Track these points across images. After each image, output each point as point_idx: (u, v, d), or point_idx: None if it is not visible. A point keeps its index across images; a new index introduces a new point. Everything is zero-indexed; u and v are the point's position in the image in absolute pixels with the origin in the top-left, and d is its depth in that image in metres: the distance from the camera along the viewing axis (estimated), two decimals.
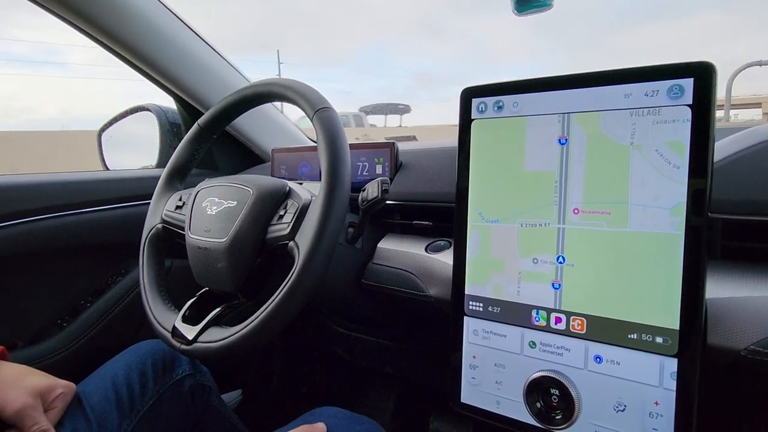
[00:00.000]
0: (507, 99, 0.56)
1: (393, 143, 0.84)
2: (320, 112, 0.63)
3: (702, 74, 0.45)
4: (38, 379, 0.61)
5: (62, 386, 0.63)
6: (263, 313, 0.57)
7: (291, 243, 0.60)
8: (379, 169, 0.85)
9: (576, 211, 0.51)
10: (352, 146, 0.86)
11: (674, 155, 0.46)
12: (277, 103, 1.16)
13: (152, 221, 0.75)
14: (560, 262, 0.52)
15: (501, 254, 0.56)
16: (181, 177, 0.79)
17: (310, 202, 0.62)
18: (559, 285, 0.52)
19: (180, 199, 0.74)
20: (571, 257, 0.52)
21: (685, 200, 0.45)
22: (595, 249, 0.50)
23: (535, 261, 0.54)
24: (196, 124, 0.77)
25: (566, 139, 0.52)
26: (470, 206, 0.58)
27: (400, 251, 0.76)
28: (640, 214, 0.48)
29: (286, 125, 1.21)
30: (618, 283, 0.49)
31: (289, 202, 0.64)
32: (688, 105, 0.45)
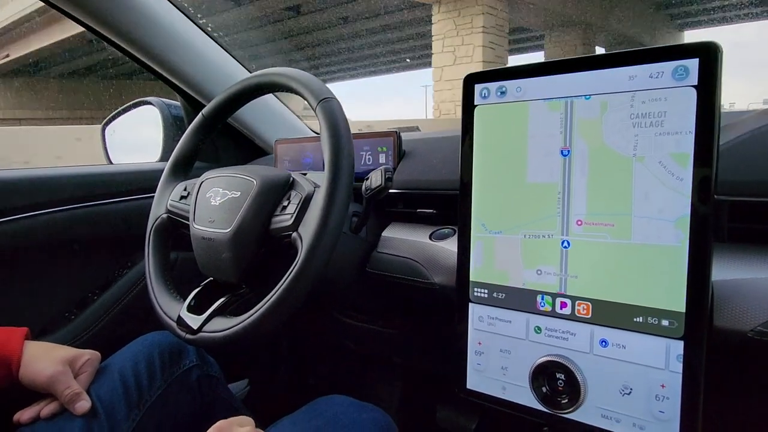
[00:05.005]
0: (510, 84, 0.56)
1: (396, 132, 0.84)
2: (323, 102, 0.63)
3: (707, 54, 0.45)
4: (64, 349, 0.66)
5: (88, 354, 0.67)
6: (266, 304, 0.57)
7: (294, 234, 0.60)
8: (382, 158, 0.84)
9: (579, 222, 0.51)
10: (356, 136, 0.85)
11: (678, 167, 0.46)
12: (280, 94, 1.16)
13: (157, 211, 0.75)
14: (564, 274, 0.52)
15: (505, 265, 0.56)
16: (186, 168, 0.79)
17: (314, 192, 0.62)
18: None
19: (185, 189, 0.74)
20: (575, 269, 0.52)
21: (689, 212, 0.45)
22: (599, 260, 0.50)
23: (539, 272, 0.54)
24: (200, 114, 0.77)
25: (569, 151, 0.52)
26: (473, 217, 0.58)
27: (404, 240, 0.76)
28: (644, 226, 0.47)
29: (288, 116, 1.21)
30: (623, 274, 0.49)
31: (293, 192, 0.64)
32: (693, 86, 0.45)
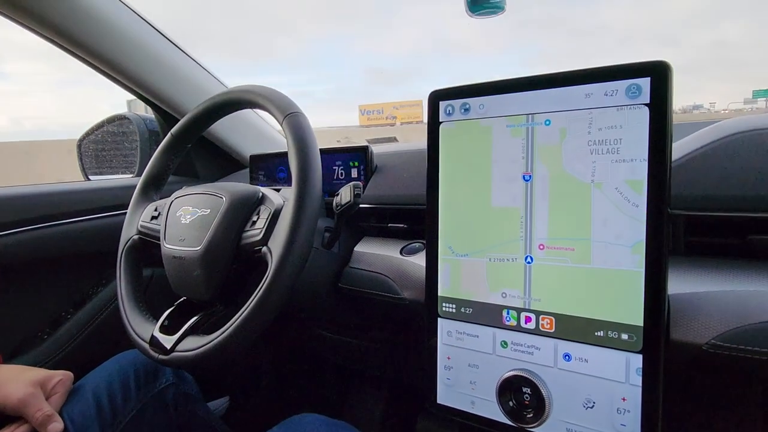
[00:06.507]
0: (473, 101, 0.57)
1: (367, 147, 0.84)
2: (289, 117, 0.63)
3: (658, 73, 0.46)
4: (35, 371, 0.64)
5: (60, 374, 0.65)
6: (239, 320, 0.57)
7: (264, 248, 0.60)
8: (354, 173, 0.85)
9: (541, 246, 0.52)
10: (328, 150, 0.86)
11: (633, 194, 0.47)
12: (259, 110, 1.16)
13: (128, 233, 0.75)
14: (527, 297, 0.53)
15: (471, 287, 0.57)
16: (157, 187, 0.79)
17: (282, 206, 0.63)
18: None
19: (155, 210, 0.74)
20: (538, 292, 0.52)
21: (645, 238, 0.46)
22: (561, 283, 0.51)
23: (504, 295, 0.54)
24: (169, 134, 0.77)
25: (530, 176, 0.52)
26: (440, 239, 0.59)
27: (375, 254, 0.76)
28: (603, 251, 0.48)
29: (264, 130, 1.21)
30: (584, 294, 0.50)
31: (262, 207, 0.65)
32: (646, 104, 0.46)
